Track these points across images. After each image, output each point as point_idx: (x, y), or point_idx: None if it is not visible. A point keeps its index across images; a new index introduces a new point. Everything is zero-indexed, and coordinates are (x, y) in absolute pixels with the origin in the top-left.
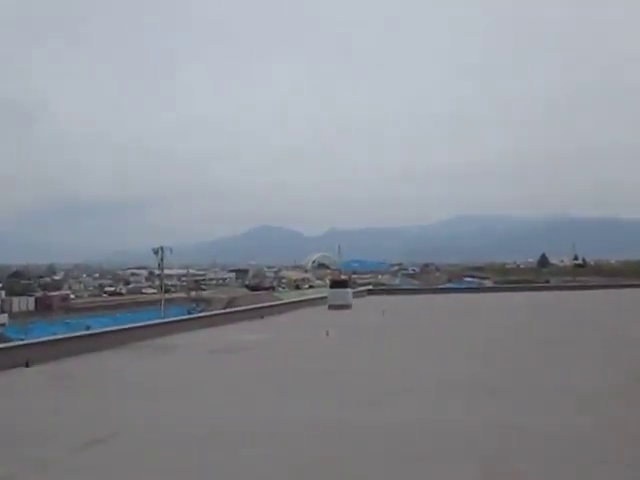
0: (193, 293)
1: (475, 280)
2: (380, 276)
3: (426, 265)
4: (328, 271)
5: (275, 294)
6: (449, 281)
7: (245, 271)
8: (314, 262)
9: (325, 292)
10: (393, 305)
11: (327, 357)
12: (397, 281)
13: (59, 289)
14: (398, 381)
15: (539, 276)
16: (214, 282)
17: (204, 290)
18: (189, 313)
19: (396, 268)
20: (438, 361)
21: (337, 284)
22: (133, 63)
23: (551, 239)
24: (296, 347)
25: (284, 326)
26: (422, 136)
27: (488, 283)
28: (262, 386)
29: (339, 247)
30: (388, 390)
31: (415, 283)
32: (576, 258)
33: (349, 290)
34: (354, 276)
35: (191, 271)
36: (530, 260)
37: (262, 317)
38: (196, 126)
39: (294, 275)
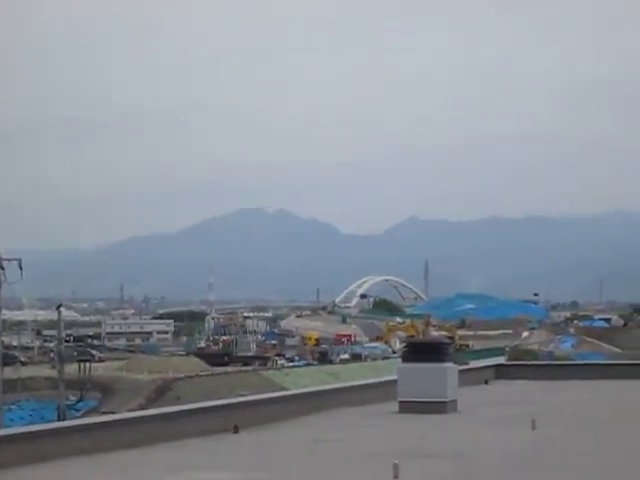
0: (75, 368)
1: None
2: (526, 333)
3: (636, 311)
4: (399, 319)
5: (268, 374)
6: None
7: (196, 317)
8: (364, 297)
9: (390, 370)
10: (558, 405)
11: None
12: (567, 345)
13: None
14: None
15: None
16: (124, 341)
17: (99, 360)
18: (62, 416)
19: (564, 316)
20: None
21: (420, 352)
22: None
23: None
24: None
25: (291, 454)
26: None
27: None
28: None
29: (426, 264)
30: None
31: (611, 351)
32: None
33: (450, 367)
34: (463, 333)
35: (67, 314)
36: None
37: (236, 430)
38: None
39: (316, 327)
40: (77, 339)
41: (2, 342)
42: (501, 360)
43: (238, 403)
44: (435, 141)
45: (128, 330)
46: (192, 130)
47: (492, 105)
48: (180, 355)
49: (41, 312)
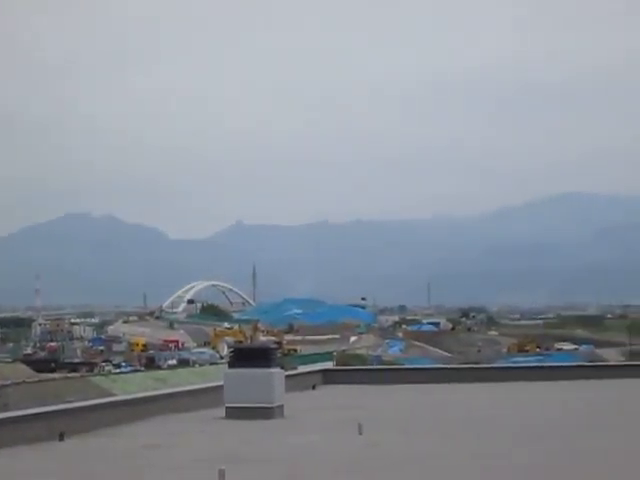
0: None
1: (583, 349)
2: (354, 337)
3: (464, 314)
4: (226, 325)
5: (95, 380)
6: (520, 351)
7: (23, 323)
8: (191, 302)
9: (218, 375)
10: (385, 410)
11: None
12: (395, 349)
13: None
14: None
15: None
16: None
17: None
18: None
19: (392, 320)
20: None
21: (246, 357)
22: None
23: None
24: None
25: (117, 461)
26: None
27: (612, 356)
28: None
29: (254, 269)
30: None
31: (439, 355)
32: None
33: (276, 372)
34: (291, 338)
35: None
36: None
37: (62, 438)
38: None
39: (143, 333)
40: None
41: None
42: (329, 365)
43: (64, 410)
44: (261, 146)
45: None
46: (22, 132)
47: (320, 108)
48: (6, 362)
49: None
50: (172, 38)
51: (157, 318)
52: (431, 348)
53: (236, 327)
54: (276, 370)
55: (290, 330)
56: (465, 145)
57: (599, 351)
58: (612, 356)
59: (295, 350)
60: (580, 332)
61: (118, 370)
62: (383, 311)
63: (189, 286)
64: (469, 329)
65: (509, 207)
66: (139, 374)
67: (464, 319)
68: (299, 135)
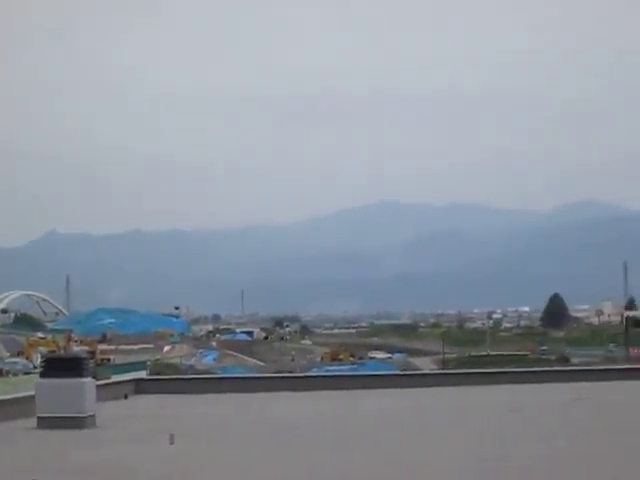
0: None
1: (396, 358)
2: (168, 347)
3: (278, 324)
4: (40, 335)
5: None
6: (333, 360)
7: None
8: (5, 312)
9: (31, 385)
10: (197, 420)
11: None
12: (209, 358)
13: None
14: None
15: (548, 345)
16: None
17: None
18: None
19: (206, 329)
20: None
21: (58, 367)
22: None
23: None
24: None
25: None
26: None
27: (426, 364)
28: None
29: (67, 278)
30: None
31: (253, 364)
32: (631, 303)
33: (87, 382)
34: (104, 347)
35: None
36: (526, 310)
37: None
38: None
39: None
40: None
41: None
42: (142, 374)
43: None
44: (75, 150)
45: None
46: None
47: (146, 111)
48: None
49: None
50: None
51: None
52: (245, 357)
53: (49, 337)
54: (88, 379)
55: (103, 339)
56: (276, 153)
57: (412, 360)
58: (426, 364)
59: (108, 359)
60: (394, 340)
61: None
62: (197, 320)
63: (2, 295)
64: (282, 338)
65: (321, 215)
66: None
67: (277, 328)
68: (116, 140)
